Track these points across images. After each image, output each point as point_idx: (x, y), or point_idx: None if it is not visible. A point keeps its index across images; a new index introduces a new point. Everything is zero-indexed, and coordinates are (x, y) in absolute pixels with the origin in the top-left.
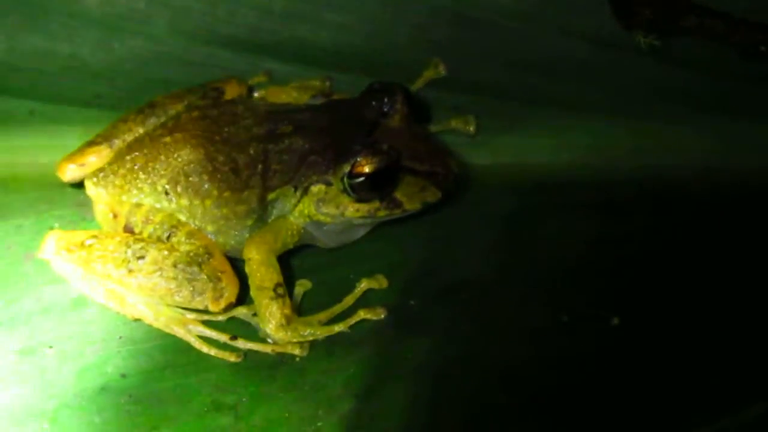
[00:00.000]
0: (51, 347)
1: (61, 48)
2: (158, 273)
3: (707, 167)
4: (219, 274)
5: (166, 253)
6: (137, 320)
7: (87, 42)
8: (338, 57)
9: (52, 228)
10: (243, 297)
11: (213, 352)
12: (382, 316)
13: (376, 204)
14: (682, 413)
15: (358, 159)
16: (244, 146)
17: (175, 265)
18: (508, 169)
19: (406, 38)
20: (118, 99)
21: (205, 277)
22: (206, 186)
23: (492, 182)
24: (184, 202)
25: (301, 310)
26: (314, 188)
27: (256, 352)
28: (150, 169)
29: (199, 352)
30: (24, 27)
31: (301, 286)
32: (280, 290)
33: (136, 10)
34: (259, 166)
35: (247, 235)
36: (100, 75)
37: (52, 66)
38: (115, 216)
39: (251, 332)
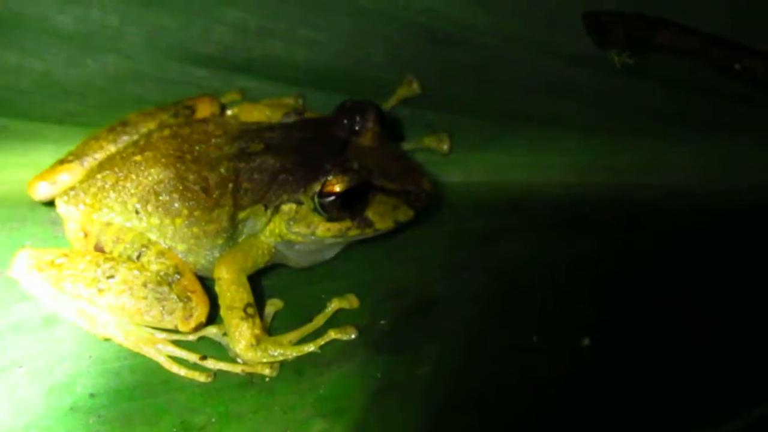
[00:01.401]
0: (21, 366)
1: (33, 64)
2: (128, 292)
3: (683, 185)
4: (189, 293)
5: (136, 272)
6: (107, 340)
7: (60, 59)
8: (312, 74)
9: (23, 246)
10: (213, 316)
11: (183, 372)
12: (353, 336)
13: (348, 223)
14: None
15: (329, 178)
16: (214, 165)
17: (145, 285)
18: (481, 188)
19: (380, 56)
20: (90, 116)
21: (175, 296)
22: (176, 205)
23: (464, 201)
24: (155, 221)
25: (271, 329)
26: (285, 207)
27: (226, 372)
28: (120, 187)
29: (168, 372)
30: None
31: (272, 306)
32: (250, 310)
33: (109, 27)
34: (230, 185)
35: (217, 255)
36: (72, 92)
37: (25, 82)
38: (85, 235)
39: (221, 352)
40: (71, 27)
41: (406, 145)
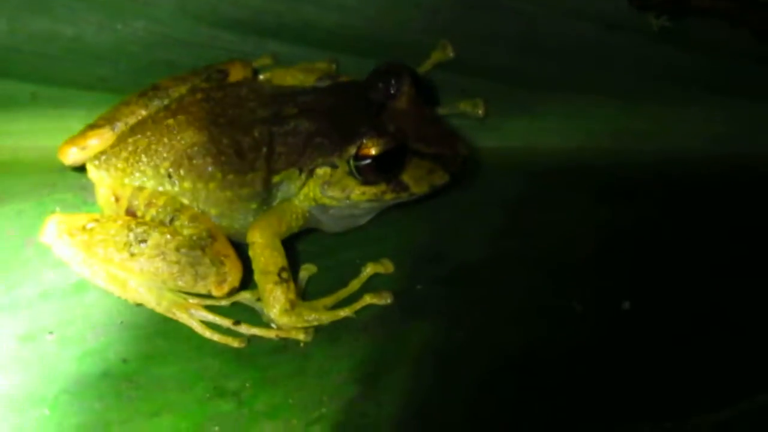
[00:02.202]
0: (52, 333)
1: (64, 30)
2: (161, 257)
3: (720, 151)
4: (222, 258)
5: (168, 236)
6: (139, 305)
7: (90, 24)
8: (344, 39)
9: (53, 212)
10: (247, 281)
11: (216, 337)
12: (389, 301)
13: (383, 187)
14: (692, 398)
15: (364, 141)
16: (248, 128)
17: (177, 249)
18: (517, 153)
19: (413, 20)
20: (121, 81)
21: (208, 261)
22: (210, 169)
23: (501, 166)
24: (188, 185)
25: (305, 294)
26: (319, 171)
27: (260, 337)
28: (153, 151)
29: (201, 338)
30: (26, 9)
31: (306, 271)
32: (285, 274)
33: None
34: (264, 149)
35: (251, 219)
36: (103, 57)
37: (55, 48)
38: (117, 199)
39: (255, 317)
40: None
41: (441, 110)
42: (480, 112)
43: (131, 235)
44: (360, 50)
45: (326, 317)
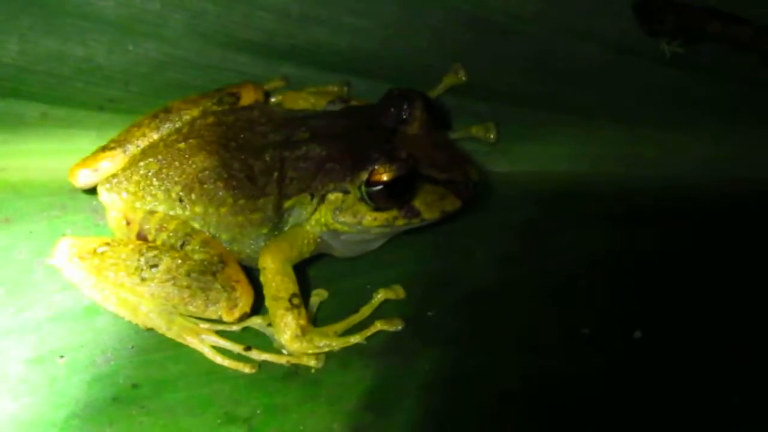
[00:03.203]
0: (62, 356)
1: (74, 50)
2: (171, 282)
3: (728, 177)
4: (233, 283)
5: (179, 261)
6: (150, 330)
7: (101, 44)
8: (356, 62)
9: (64, 234)
10: (258, 307)
11: (227, 362)
12: (400, 327)
13: (394, 213)
14: (702, 429)
15: (376, 167)
16: (260, 153)
17: (188, 274)
18: (527, 177)
19: (425, 43)
20: (132, 103)
21: (220, 286)
22: (221, 193)
23: (511, 190)
24: (199, 209)
25: (316, 320)
26: (331, 196)
27: (271, 363)
28: (164, 175)
29: (212, 363)
30: (37, 29)
31: (317, 296)
32: (296, 300)
33: (150, 12)
34: (275, 174)
35: (262, 244)
36: (113, 78)
37: (65, 69)
38: (128, 223)
39: (266, 343)
40: (112, 12)
41: (453, 134)
42: (492, 136)
43: (142, 260)
44: (372, 73)
45: (337, 343)
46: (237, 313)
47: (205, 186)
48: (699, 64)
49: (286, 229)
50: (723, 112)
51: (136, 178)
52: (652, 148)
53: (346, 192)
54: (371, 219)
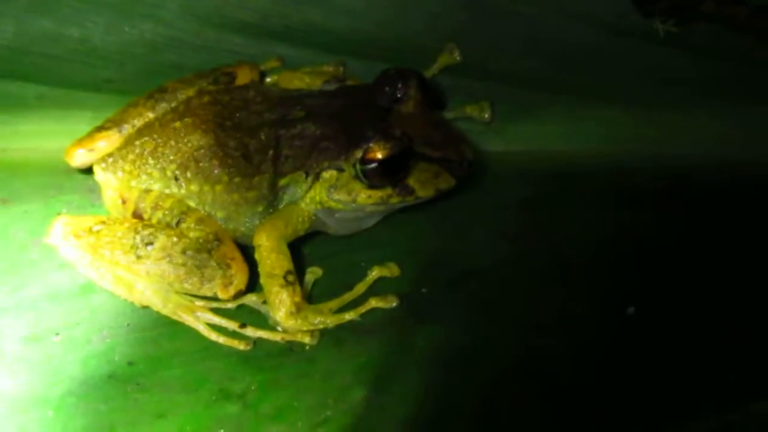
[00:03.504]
0: (57, 334)
1: (70, 31)
2: (167, 259)
3: (723, 156)
4: (228, 260)
5: (175, 239)
6: (145, 307)
7: (97, 25)
8: (351, 42)
9: (59, 213)
10: (253, 284)
11: (222, 339)
12: (394, 304)
13: (389, 190)
14: (694, 404)
15: (371, 145)
16: (255, 131)
17: (184, 252)
18: (521, 157)
19: (420, 23)
20: (128, 83)
21: (215, 263)
22: (216, 171)
23: (505, 170)
24: (194, 187)
25: (311, 297)
26: (326, 174)
27: (266, 340)
28: (159, 154)
29: (207, 340)
30: (33, 10)
31: (312, 274)
32: (291, 278)
33: None
34: (270, 152)
35: (257, 222)
36: (110, 59)
37: (62, 50)
38: (124, 202)
39: (261, 320)
40: None
41: (448, 114)
42: (486, 115)
43: (138, 238)
44: (367, 53)
45: (332, 320)
46: (232, 291)
47: (201, 164)
48: (694, 43)
49: (281, 207)
50: (718, 92)
51: (131, 157)
52: (647, 128)
53: (340, 170)
54: (366, 196)
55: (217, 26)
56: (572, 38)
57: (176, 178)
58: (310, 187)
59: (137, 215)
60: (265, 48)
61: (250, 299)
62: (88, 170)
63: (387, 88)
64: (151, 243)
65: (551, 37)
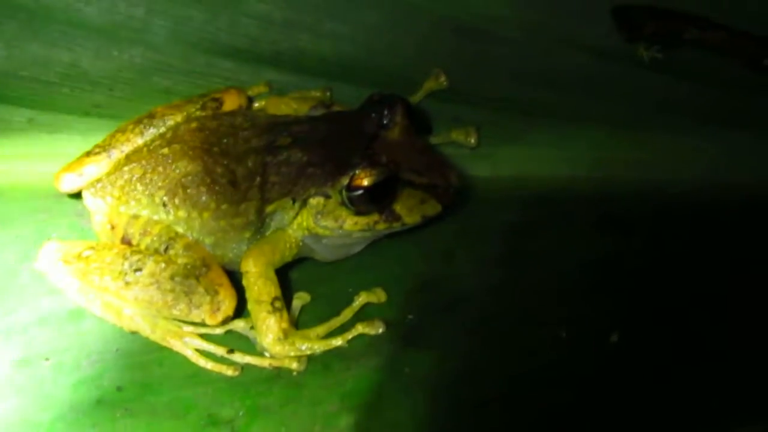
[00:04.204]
0: (47, 359)
1: (60, 56)
2: (155, 285)
3: (709, 180)
4: (216, 287)
5: (163, 265)
6: (134, 333)
7: (87, 50)
8: (338, 67)
9: (49, 238)
10: (240, 310)
11: (210, 365)
12: (381, 330)
13: (375, 217)
14: (678, 428)
15: (357, 171)
16: (242, 158)
17: (172, 278)
18: (509, 182)
19: (407, 49)
20: (117, 108)
21: (203, 289)
22: (204, 198)
23: (492, 195)
24: (182, 214)
25: (298, 323)
26: (313, 201)
27: (254, 365)
28: (148, 180)
29: (195, 366)
30: (23, 35)
31: (299, 300)
32: (278, 304)
33: (136, 19)
34: (258, 179)
35: (245, 248)
36: (99, 84)
37: (51, 74)
38: (112, 227)
39: (248, 346)
40: (98, 19)
41: (434, 139)
42: (472, 140)
43: (126, 264)
44: (354, 78)
45: (319, 346)
46: (220, 317)
47: (189, 191)
48: (679, 68)
49: (268, 233)
50: (704, 116)
51: (120, 182)
52: (634, 152)
53: (327, 196)
54: (352, 223)
55: (206, 51)
56: (559, 63)
57: (164, 205)
58: (297, 214)
59: (126, 241)
60: (253, 73)
61: (238, 325)
62: (78, 195)
63: (373, 114)
64: (139, 269)
65: (538, 62)
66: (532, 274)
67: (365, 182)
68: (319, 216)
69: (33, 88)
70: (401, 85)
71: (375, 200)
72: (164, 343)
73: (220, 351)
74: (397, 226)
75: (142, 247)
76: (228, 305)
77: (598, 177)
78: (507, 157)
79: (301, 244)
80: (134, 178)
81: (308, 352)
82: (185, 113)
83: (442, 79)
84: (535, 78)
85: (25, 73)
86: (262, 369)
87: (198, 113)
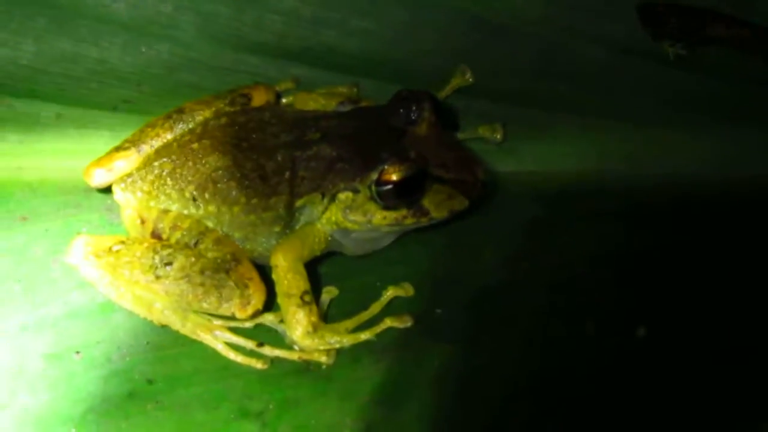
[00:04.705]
0: (78, 352)
1: (88, 52)
2: (186, 279)
3: (731, 175)
4: (246, 280)
5: (193, 259)
6: (164, 326)
7: (114, 46)
8: (365, 63)
9: (79, 232)
10: (270, 304)
11: (240, 358)
12: (409, 324)
13: (403, 212)
14: (705, 423)
15: (386, 167)
16: (271, 153)
17: (202, 272)
18: (534, 177)
19: (432, 45)
20: (145, 103)
21: (233, 283)
22: (234, 193)
23: (517, 189)
24: (212, 208)
25: (327, 317)
26: (342, 195)
27: (283, 359)
28: (178, 175)
29: (225, 359)
30: (52, 31)
31: (328, 293)
32: (307, 297)
33: (163, 15)
34: (287, 173)
35: (274, 242)
36: (127, 79)
37: (80, 70)
38: (142, 221)
39: (278, 339)
40: (126, 14)
41: (461, 135)
42: (498, 136)
43: (157, 258)
44: (380, 74)
45: (348, 340)
46: (250, 310)
47: (219, 185)
48: (703, 65)
49: (297, 227)
50: (726, 112)
51: (150, 177)
52: (657, 147)
53: (356, 191)
54: (381, 217)
55: (234, 47)
56: (583, 58)
57: (194, 199)
58: (326, 208)
59: (156, 235)
60: (281, 69)
61: (267, 318)
62: (106, 189)
63: (401, 110)
64: (170, 263)
65: (562, 58)
66: (557, 268)
67: (394, 177)
68: (347, 210)
69: (61, 84)
70: (427, 81)
71: (403, 195)
72: (194, 337)
73: (249, 344)
74: (424, 221)
75: (173, 241)
76: (258, 299)
77: (622, 172)
78: (531, 152)
79: (329, 238)
80: (164, 173)
81: (337, 346)
82: (214, 109)
83: (468, 75)
84: (560, 74)
85: (54, 68)
86: (291, 362)
87: (227, 109)
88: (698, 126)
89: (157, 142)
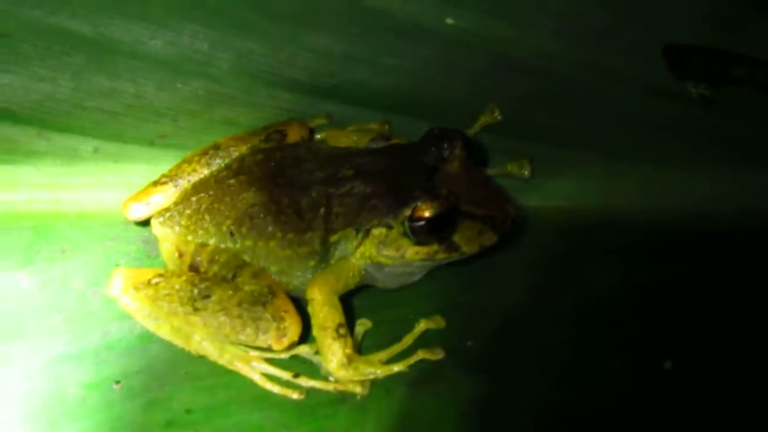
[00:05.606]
0: (117, 382)
1: (125, 87)
2: (223, 312)
3: (755, 214)
4: (282, 313)
5: (231, 292)
6: (202, 357)
7: (151, 82)
8: (396, 100)
9: (117, 264)
10: (305, 336)
11: (276, 389)
12: (441, 356)
13: (435, 247)
14: None
15: (419, 203)
16: (306, 189)
17: (239, 305)
18: (560, 213)
19: (462, 83)
20: (181, 138)
21: (269, 316)
22: (270, 228)
23: (545, 225)
24: (249, 243)
25: (361, 348)
26: (375, 231)
27: (318, 389)
28: (215, 210)
29: (262, 390)
30: (89, 67)
31: (362, 326)
32: (342, 330)
33: (199, 52)
34: (322, 209)
35: (309, 276)
36: (163, 114)
37: (117, 105)
38: (180, 255)
39: (314, 370)
40: (162, 52)
41: (489, 171)
42: (526, 173)
43: (195, 291)
44: (410, 111)
45: (381, 371)
46: (286, 342)
47: (255, 220)
48: (727, 105)
49: (332, 261)
50: (750, 152)
51: (188, 212)
52: (679, 185)
53: (389, 227)
54: (413, 253)
55: (267, 83)
56: (607, 97)
57: (231, 234)
58: (360, 243)
59: (194, 268)
60: (313, 105)
61: (303, 350)
62: (144, 222)
63: (433, 148)
64: (208, 296)
65: (587, 96)
66: (584, 302)
67: (427, 214)
68: (381, 246)
69: (99, 119)
70: (456, 118)
71: (436, 231)
72: (232, 367)
73: (285, 375)
74: (455, 256)
75: (210, 274)
76: (294, 331)
77: (646, 209)
78: (557, 189)
79: (363, 272)
80: (202, 208)
81: (371, 377)
82: (250, 144)
83: (497, 113)
84: (586, 113)
85: (91, 103)
86: (327, 393)
87: (262, 145)
88: (721, 166)
89: (193, 177)
